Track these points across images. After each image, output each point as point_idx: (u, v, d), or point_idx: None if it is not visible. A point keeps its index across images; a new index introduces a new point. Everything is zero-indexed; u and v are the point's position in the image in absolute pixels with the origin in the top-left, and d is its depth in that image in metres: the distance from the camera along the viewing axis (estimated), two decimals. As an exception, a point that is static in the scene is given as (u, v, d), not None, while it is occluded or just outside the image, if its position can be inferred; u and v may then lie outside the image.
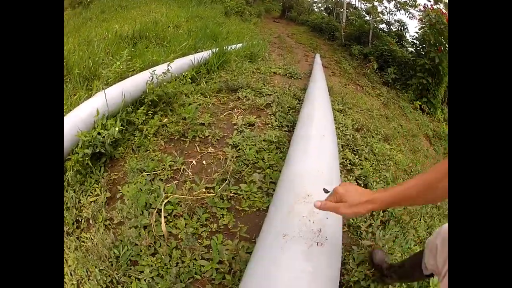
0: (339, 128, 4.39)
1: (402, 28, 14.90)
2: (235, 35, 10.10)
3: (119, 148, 3.26)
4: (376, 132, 4.81)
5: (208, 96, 4.78)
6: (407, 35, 14.35)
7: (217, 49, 6.49)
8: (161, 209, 2.51)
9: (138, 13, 11.20)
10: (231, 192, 2.78)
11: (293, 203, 1.74)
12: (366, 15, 16.53)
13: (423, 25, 10.12)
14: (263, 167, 3.09)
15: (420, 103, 9.09)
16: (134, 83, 3.92)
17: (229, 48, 7.05)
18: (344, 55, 12.02)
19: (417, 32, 11.61)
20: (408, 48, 12.64)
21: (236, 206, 2.67)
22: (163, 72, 4.24)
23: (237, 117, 4.16)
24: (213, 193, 2.75)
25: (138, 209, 2.51)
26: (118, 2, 13.61)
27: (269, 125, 4.07)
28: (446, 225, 1.36)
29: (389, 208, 1.85)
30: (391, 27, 15.06)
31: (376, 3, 15.10)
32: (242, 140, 3.50)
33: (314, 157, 2.36)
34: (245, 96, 4.90)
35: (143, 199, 2.58)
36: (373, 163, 3.81)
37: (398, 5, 14.40)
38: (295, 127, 3.42)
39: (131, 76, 4.18)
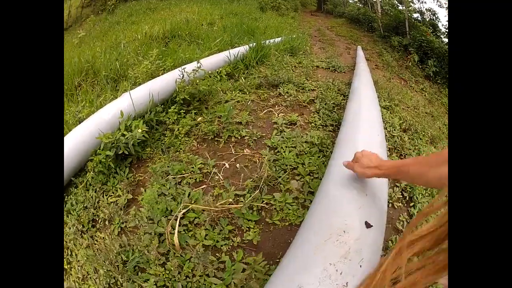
0: (386, 128, 4.04)
1: (434, 17, 14.18)
2: (273, 29, 9.83)
3: (147, 149, 3.11)
4: (423, 133, 4.42)
5: (247, 93, 4.51)
6: (439, 24, 13.70)
7: (255, 43, 6.23)
8: (179, 217, 2.29)
9: (168, 14, 11.20)
10: (262, 201, 2.47)
11: (321, 241, 1.29)
12: (398, 4, 15.93)
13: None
14: (302, 173, 2.73)
15: None
16: (164, 82, 3.76)
17: (268, 42, 6.82)
18: (385, 46, 11.56)
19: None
20: (443, 39, 12.04)
21: (267, 218, 2.36)
22: (193, 70, 3.95)
23: (277, 115, 3.85)
24: (242, 202, 2.45)
25: (157, 215, 2.33)
26: (146, 5, 13.74)
27: (312, 124, 3.73)
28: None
29: (394, 178, 1.67)
30: (424, 16, 14.33)
31: None
32: (282, 142, 3.17)
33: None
34: (287, 92, 4.62)
35: (163, 204, 2.39)
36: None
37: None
38: (340, 126, 3.07)
39: (161, 75, 4.01)
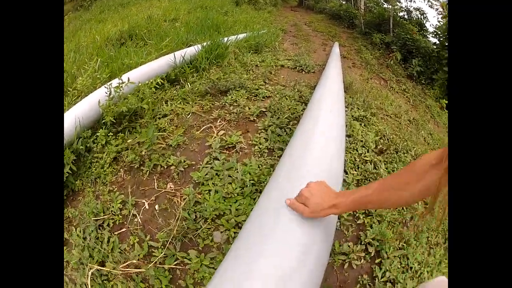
0: (357, 150, 3.08)
1: (422, 16, 13.08)
2: (243, 24, 8.70)
3: (77, 181, 2.66)
4: (405, 152, 3.42)
5: (190, 103, 3.70)
6: (428, 24, 12.64)
7: (209, 42, 5.21)
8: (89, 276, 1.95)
9: (137, 9, 10.21)
10: (175, 260, 2.00)
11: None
12: (384, 2, 14.87)
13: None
14: (226, 225, 2.11)
15: (446, 101, 7.94)
16: (91, 103, 3.15)
17: (230, 39, 5.86)
18: (365, 43, 10.41)
19: (439, 21, 10.06)
20: (430, 39, 11.05)
21: (181, 279, 1.92)
22: (115, 86, 3.29)
23: (216, 133, 3.06)
24: (155, 256, 2.03)
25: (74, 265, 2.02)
26: (119, 0, 12.34)
27: (256, 147, 2.88)
28: (440, 278, 1.26)
29: (347, 212, 1.58)
30: (412, 15, 13.23)
31: None
32: (210, 176, 2.47)
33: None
34: (235, 101, 3.67)
35: (77, 254, 2.08)
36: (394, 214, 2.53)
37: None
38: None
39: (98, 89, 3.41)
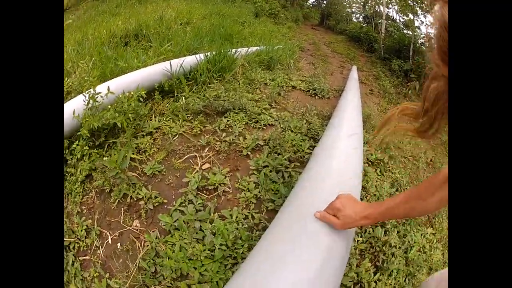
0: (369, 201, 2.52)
1: None
2: (258, 37, 8.05)
3: None
4: None
5: (180, 121, 3.09)
6: None
7: (215, 51, 4.52)
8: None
9: (153, 8, 9.43)
10: None
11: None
12: (404, 28, 14.12)
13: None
14: None
15: None
16: (70, 109, 2.58)
17: (240, 50, 5.16)
18: (383, 70, 9.73)
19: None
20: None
21: None
22: (92, 96, 2.68)
23: (199, 166, 2.53)
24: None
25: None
26: None
27: (243, 194, 2.30)
28: (444, 271, 1.33)
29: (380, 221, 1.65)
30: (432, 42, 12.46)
31: (411, 16, 13.07)
32: (179, 225, 2.00)
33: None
34: (230, 127, 3.05)
35: None
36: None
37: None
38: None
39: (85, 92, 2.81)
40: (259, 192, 2.28)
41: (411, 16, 13.53)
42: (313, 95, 4.55)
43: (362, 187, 2.56)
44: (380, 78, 8.49)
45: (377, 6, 17.54)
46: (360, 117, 3.28)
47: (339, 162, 1.85)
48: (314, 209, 1.28)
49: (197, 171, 2.43)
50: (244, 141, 2.80)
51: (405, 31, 13.27)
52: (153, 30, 6.46)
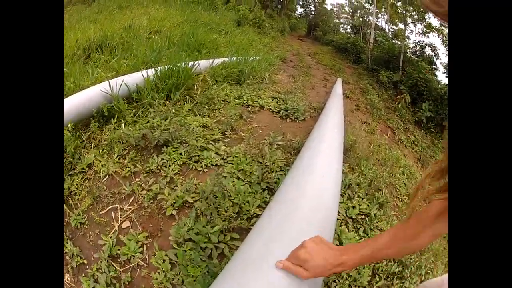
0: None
1: (433, 53, 11.32)
2: (235, 47, 7.14)
3: None
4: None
5: (115, 155, 2.49)
6: (438, 62, 10.89)
7: (167, 65, 3.64)
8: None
9: (131, 14, 8.63)
10: None
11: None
12: (393, 38, 13.28)
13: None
14: None
15: None
16: None
17: (199, 63, 4.24)
18: (371, 82, 8.83)
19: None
20: (439, 78, 9.53)
21: None
22: None
23: (118, 225, 2.00)
24: None
25: None
26: (118, 1, 10.72)
27: (157, 274, 1.71)
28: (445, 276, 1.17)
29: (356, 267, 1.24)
30: (424, 50, 11.44)
31: (401, 26, 12.56)
32: None
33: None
34: (163, 168, 2.35)
35: None
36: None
37: (425, 28, 10.86)
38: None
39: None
40: (174, 277, 1.64)
41: (401, 25, 12.77)
42: (284, 117, 3.59)
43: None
44: (368, 91, 7.57)
45: (366, 16, 16.73)
46: (339, 148, 2.41)
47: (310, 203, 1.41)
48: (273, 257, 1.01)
49: (115, 230, 1.96)
50: (171, 194, 2.01)
51: (394, 41, 12.41)
52: (117, 40, 5.61)
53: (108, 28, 6.13)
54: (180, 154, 2.46)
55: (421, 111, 7.47)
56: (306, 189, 1.52)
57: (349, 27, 19.28)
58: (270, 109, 3.69)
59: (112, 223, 1.99)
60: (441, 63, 10.70)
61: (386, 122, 5.95)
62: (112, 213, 2.05)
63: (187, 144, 2.50)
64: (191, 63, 3.88)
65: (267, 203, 1.98)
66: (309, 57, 11.00)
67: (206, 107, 3.41)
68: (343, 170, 2.70)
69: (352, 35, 16.62)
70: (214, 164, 2.40)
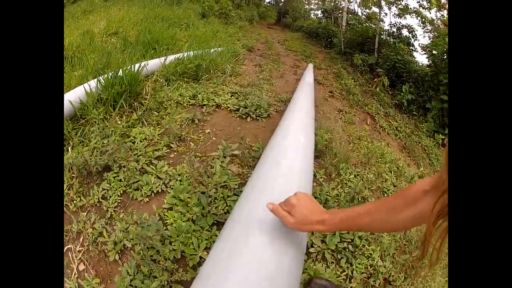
0: None
1: (411, 35, 10.69)
2: (197, 39, 6.45)
3: None
4: None
5: (66, 184, 2.08)
6: (416, 43, 10.29)
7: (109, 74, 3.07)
8: None
9: (94, 18, 7.81)
10: None
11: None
12: (367, 21, 12.65)
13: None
14: None
15: (443, 136, 6.11)
16: None
17: (155, 61, 3.88)
18: (344, 66, 8.25)
19: (433, 40, 8.02)
20: (418, 59, 8.76)
21: None
22: None
23: (76, 267, 1.67)
24: None
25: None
26: (83, 7, 9.84)
27: None
28: None
29: (335, 231, 1.32)
30: (401, 31, 10.79)
31: (375, 9, 11.84)
32: None
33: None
34: (104, 198, 1.96)
35: None
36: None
37: (401, 11, 10.24)
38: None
39: None
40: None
41: (374, 9, 12.17)
42: (243, 116, 2.98)
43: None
44: (342, 76, 6.98)
45: (337, 0, 16.03)
46: (310, 148, 1.88)
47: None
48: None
49: (75, 273, 1.66)
50: (111, 235, 1.70)
51: (368, 24, 11.79)
52: (73, 49, 4.87)
53: (68, 37, 5.40)
54: (120, 180, 2.01)
55: (402, 94, 6.92)
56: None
57: (319, 12, 18.47)
58: (228, 107, 3.07)
59: (71, 265, 1.70)
60: (419, 44, 10.11)
61: (364, 108, 5.37)
62: (69, 253, 1.75)
63: (127, 168, 1.99)
64: (138, 65, 3.25)
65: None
66: (278, 44, 10.35)
67: (156, 113, 2.82)
68: (318, 178, 2.14)
69: (323, 20, 15.91)
70: (155, 192, 1.90)
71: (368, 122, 4.82)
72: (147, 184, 1.94)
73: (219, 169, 1.98)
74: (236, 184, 1.90)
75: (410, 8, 9.93)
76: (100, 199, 1.94)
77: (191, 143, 2.41)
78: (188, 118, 2.72)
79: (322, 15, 17.52)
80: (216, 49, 5.52)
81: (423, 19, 10.26)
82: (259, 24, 16.85)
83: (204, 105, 3.09)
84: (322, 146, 2.56)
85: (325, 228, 0.92)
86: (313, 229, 0.93)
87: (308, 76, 4.84)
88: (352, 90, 5.96)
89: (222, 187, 1.87)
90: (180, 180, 1.96)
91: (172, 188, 1.91)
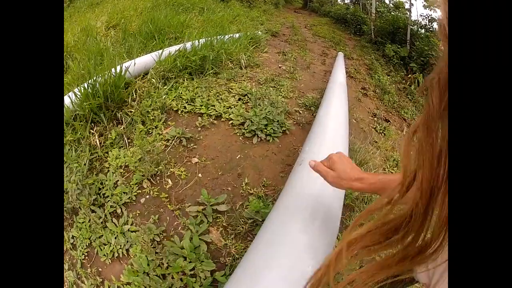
0: None
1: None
2: (211, 25, 5.64)
3: None
4: None
5: None
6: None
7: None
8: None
9: (98, 12, 6.96)
10: None
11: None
12: (395, 9, 11.45)
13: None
14: None
15: None
16: None
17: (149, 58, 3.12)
18: (376, 56, 7.23)
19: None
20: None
21: None
22: None
23: None
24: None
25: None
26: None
27: None
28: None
29: (370, 192, 0.96)
30: (433, 24, 9.53)
31: None
32: None
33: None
34: (73, 248, 1.67)
35: None
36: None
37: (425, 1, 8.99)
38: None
39: None
40: None
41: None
42: (248, 135, 2.15)
43: None
44: (375, 69, 6.01)
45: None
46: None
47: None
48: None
49: None
50: None
51: (396, 13, 10.63)
52: (69, 49, 4.28)
53: (67, 34, 4.68)
54: (86, 230, 1.66)
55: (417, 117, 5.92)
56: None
57: (347, -2, 17.25)
58: (231, 119, 2.25)
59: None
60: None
61: (400, 112, 4.44)
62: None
63: (89, 217, 1.59)
64: (120, 67, 2.49)
65: None
66: (305, 29, 9.37)
67: (142, 126, 2.08)
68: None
69: (351, 6, 14.72)
70: (116, 256, 1.51)
71: (404, 130, 3.92)
72: (108, 243, 1.55)
73: (188, 245, 1.22)
74: (208, 272, 1.15)
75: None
76: (71, 247, 1.66)
77: (168, 180, 1.63)
78: (176, 135, 1.93)
79: (349, 0, 16.36)
80: (231, 35, 4.65)
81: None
82: (285, 8, 15.77)
83: (203, 113, 2.28)
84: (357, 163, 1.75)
85: (363, 186, 0.86)
86: (351, 185, 0.88)
87: (340, 70, 3.95)
88: (387, 88, 5.02)
89: (190, 276, 1.11)
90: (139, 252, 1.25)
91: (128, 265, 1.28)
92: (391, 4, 12.54)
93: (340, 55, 5.59)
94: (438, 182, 0.44)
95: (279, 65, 4.24)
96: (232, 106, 2.39)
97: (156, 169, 1.80)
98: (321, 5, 16.89)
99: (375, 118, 3.63)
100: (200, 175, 1.79)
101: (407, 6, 10.03)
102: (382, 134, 3.26)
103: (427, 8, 8.81)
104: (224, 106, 2.37)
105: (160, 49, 3.33)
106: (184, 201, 1.69)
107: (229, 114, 2.28)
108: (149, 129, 2.17)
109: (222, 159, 1.92)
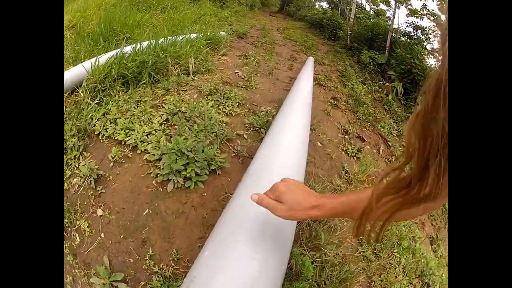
0: None
1: (424, 37, 8.91)
2: (173, 24, 5.06)
3: None
4: None
5: None
6: (429, 47, 8.62)
7: None
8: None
9: (69, 8, 6.13)
10: None
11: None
12: (375, 17, 11.06)
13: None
14: None
15: None
16: None
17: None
18: (351, 63, 6.71)
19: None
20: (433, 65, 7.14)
21: None
22: None
23: None
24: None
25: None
26: None
27: None
28: None
29: (333, 217, 1.16)
30: (417, 33, 8.97)
31: (384, 7, 10.64)
32: None
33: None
34: None
35: None
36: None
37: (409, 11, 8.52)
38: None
39: None
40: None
41: (383, 6, 10.73)
42: (163, 178, 1.53)
43: None
44: (348, 76, 5.45)
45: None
46: None
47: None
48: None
49: None
50: None
51: (378, 19, 10.20)
52: None
53: None
54: None
55: (417, 105, 5.42)
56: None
57: (325, 3, 16.76)
58: (147, 152, 1.62)
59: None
60: (432, 48, 8.48)
61: (376, 126, 3.90)
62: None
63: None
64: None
65: None
66: (276, 32, 8.80)
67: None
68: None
69: (329, 11, 14.19)
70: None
71: (380, 150, 3.38)
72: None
73: None
74: None
75: (420, 10, 8.33)
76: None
77: (76, 235, 1.18)
78: (83, 176, 1.33)
79: (328, 6, 15.90)
80: (184, 36, 4.03)
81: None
82: (260, 10, 15.25)
83: (121, 141, 1.67)
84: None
85: (322, 213, 0.77)
86: (308, 215, 0.78)
87: (306, 77, 3.39)
88: (362, 98, 4.47)
89: None
90: None
91: None
92: (371, 11, 12.14)
93: (310, 60, 5.08)
94: (431, 153, 0.51)
95: (236, 71, 3.65)
96: (153, 132, 1.77)
97: (66, 219, 1.26)
98: (298, 9, 16.51)
99: (346, 136, 3.07)
100: (103, 235, 1.22)
101: (388, 14, 9.74)
102: (355, 158, 2.71)
103: (413, 16, 8.35)
104: (143, 132, 1.75)
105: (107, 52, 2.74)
106: (90, 266, 1.22)
107: (147, 144, 1.66)
108: (68, 160, 1.58)
109: (127, 214, 1.33)
